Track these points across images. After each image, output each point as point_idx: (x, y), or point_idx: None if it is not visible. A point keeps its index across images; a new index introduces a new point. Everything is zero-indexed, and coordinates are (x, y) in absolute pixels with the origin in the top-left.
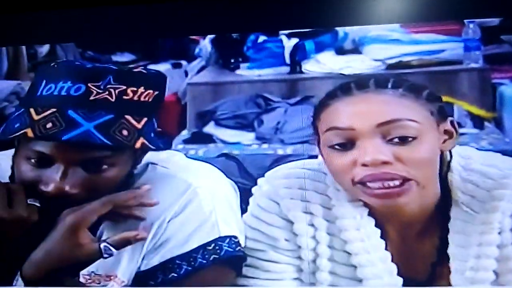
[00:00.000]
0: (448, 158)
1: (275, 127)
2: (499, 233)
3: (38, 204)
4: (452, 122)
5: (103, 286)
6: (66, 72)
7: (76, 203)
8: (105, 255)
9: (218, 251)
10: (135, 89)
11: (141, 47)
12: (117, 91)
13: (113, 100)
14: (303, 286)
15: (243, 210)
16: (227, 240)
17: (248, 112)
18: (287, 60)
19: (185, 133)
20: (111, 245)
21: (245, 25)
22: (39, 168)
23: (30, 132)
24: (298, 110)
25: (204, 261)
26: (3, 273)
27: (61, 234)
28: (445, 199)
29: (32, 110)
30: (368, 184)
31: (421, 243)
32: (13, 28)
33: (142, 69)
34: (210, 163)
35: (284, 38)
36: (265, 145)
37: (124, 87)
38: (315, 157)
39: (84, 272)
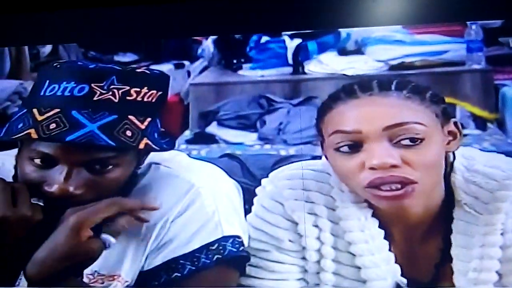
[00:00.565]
0: (451, 159)
1: (277, 128)
2: (502, 234)
3: (42, 204)
4: (456, 123)
5: (107, 286)
6: (69, 72)
7: (80, 204)
8: (107, 247)
9: (222, 251)
10: (138, 89)
11: (144, 47)
12: (120, 91)
13: (116, 100)
14: (307, 287)
15: (246, 210)
16: (231, 240)
17: (251, 113)
18: (290, 61)
19: (187, 134)
20: (109, 234)
21: (248, 26)
22: (43, 169)
23: (33, 133)
24: (301, 110)
25: (208, 261)
26: (6, 273)
27: (64, 233)
28: (448, 200)
29: (35, 110)
30: (376, 187)
31: (425, 244)
32: (16, 28)
33: (145, 69)
34: (213, 163)
35: (287, 38)
36: (267, 146)
37: (128, 88)
38: (319, 158)
39: (87, 271)
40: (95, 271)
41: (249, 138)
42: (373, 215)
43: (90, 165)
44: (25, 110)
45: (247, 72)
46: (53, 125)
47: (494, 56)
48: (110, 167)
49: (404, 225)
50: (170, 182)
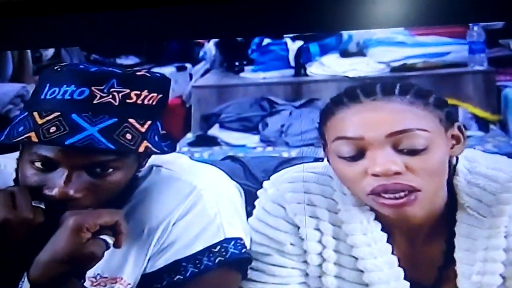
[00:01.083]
0: (454, 161)
1: (280, 130)
2: (506, 237)
3: (43, 206)
4: (459, 127)
5: None
6: (70, 75)
7: (80, 207)
8: (107, 247)
9: (224, 253)
10: (138, 92)
11: (146, 50)
12: (120, 94)
13: (116, 103)
14: None
15: (248, 212)
16: (233, 242)
17: (253, 115)
18: (292, 63)
19: (190, 136)
20: (107, 235)
21: (250, 28)
22: (43, 172)
23: (34, 136)
24: (303, 112)
25: (210, 263)
26: (8, 275)
27: (65, 234)
28: (451, 203)
29: (36, 113)
30: (379, 194)
31: (428, 247)
32: (18, 32)
33: (145, 72)
34: (215, 166)
35: (288, 40)
36: (269, 148)
37: (128, 91)
38: (321, 160)
39: (90, 274)
40: (98, 274)
41: (251, 140)
42: (376, 218)
43: (91, 169)
44: (26, 113)
45: (249, 75)
46: (53, 129)
47: (496, 58)
48: (111, 170)
49: (407, 229)
50: (172, 184)
